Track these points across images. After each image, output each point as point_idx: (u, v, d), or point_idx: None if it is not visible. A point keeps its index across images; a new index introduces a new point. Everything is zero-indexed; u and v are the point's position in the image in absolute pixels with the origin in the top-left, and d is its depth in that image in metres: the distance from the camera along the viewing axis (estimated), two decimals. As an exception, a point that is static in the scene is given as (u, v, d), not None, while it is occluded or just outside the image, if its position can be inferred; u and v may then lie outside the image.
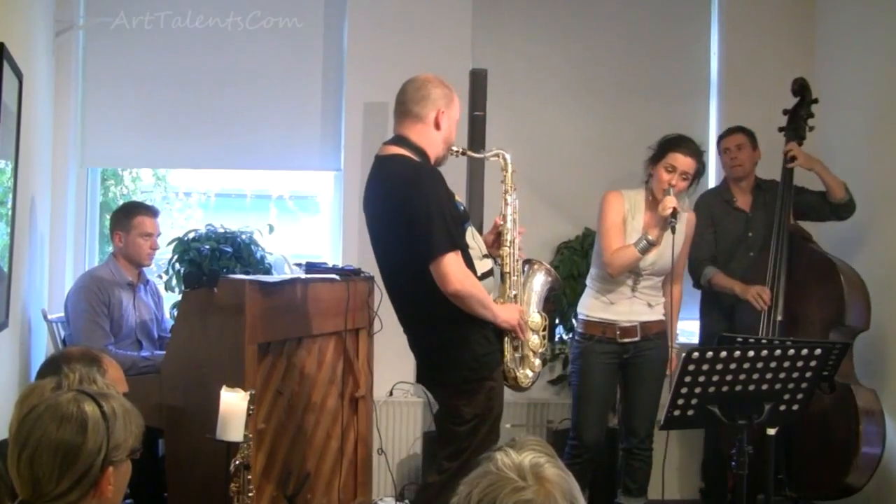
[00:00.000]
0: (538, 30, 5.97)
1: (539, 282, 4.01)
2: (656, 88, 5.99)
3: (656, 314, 4.59)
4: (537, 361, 3.87)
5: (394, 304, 3.79)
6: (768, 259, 4.89)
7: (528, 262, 4.03)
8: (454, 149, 3.82)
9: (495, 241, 3.93)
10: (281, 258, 5.14)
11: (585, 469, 4.53)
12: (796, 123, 5.09)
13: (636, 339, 4.53)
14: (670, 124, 5.58)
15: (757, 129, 5.24)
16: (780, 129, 5.14)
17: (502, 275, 3.87)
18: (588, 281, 4.71)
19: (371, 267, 4.29)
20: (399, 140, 3.70)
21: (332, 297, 4.43)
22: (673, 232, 4.33)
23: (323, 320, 4.35)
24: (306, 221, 6.23)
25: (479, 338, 3.64)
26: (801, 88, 5.09)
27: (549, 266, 4.07)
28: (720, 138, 5.35)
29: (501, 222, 3.91)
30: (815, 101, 5.09)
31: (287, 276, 4.45)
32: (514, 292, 3.85)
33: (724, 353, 3.45)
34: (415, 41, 5.58)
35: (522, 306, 3.86)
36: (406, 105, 3.71)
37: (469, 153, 3.98)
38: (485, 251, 3.84)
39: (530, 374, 3.85)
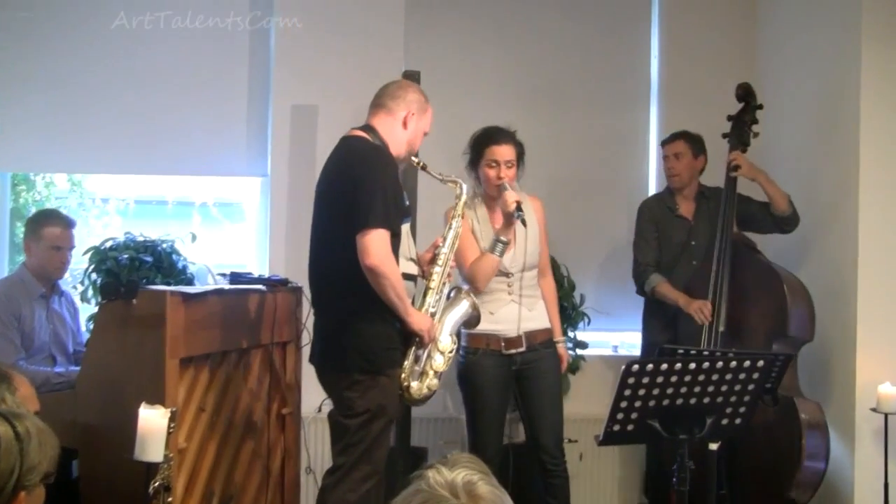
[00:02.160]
0: (474, 32, 6.00)
1: (461, 310, 4.13)
2: (596, 94, 6.04)
3: (540, 320, 4.62)
4: (435, 381, 3.96)
5: (311, 280, 3.92)
6: (711, 269, 4.94)
7: (457, 288, 4.19)
8: (415, 159, 4.05)
9: (431, 260, 4.07)
10: (204, 268, 5.13)
11: None
12: (740, 130, 5.14)
13: (522, 349, 4.56)
14: (610, 131, 5.70)
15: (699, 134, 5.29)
16: (724, 136, 5.19)
17: (426, 290, 4.00)
18: None
19: (299, 277, 4.29)
20: (366, 128, 3.93)
21: (258, 309, 4.40)
22: (524, 224, 4.38)
23: (248, 333, 4.32)
24: (231, 229, 6.11)
25: (384, 333, 3.77)
26: (745, 94, 5.15)
27: (475, 300, 4.17)
28: (663, 143, 5.37)
29: (441, 243, 4.06)
30: (760, 106, 5.16)
31: (210, 286, 4.42)
32: (432, 310, 3.98)
33: (664, 366, 3.47)
34: (345, 41, 5.55)
35: (437, 324, 3.97)
36: (381, 98, 3.97)
37: (428, 170, 4.11)
38: (412, 255, 3.97)
39: (425, 390, 3.93)
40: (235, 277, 4.58)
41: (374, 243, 3.62)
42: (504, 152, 4.53)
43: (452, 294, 4.13)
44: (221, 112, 5.71)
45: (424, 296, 3.99)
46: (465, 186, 4.14)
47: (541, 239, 4.67)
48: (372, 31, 5.60)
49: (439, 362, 3.95)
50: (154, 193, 6.14)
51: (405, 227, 3.89)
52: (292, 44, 5.58)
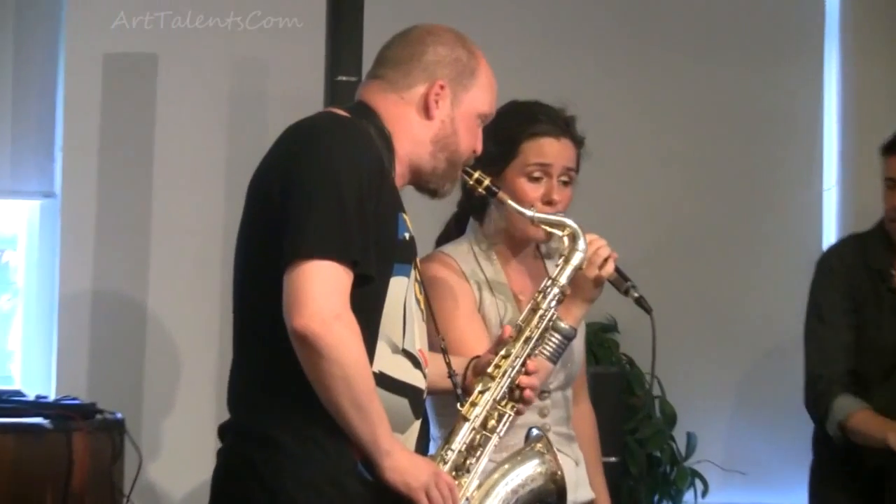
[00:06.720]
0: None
1: (529, 469, 3.59)
2: (748, 128, 6.29)
3: (587, 482, 4.37)
4: None
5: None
6: None
7: (536, 432, 3.66)
8: (475, 175, 3.64)
9: (482, 368, 3.59)
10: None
11: None
12: None
13: None
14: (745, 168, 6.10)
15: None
16: None
17: (458, 418, 3.45)
18: None
19: (116, 398, 4.67)
20: (357, 107, 3.47)
21: (36, 463, 4.50)
22: (648, 312, 3.92)
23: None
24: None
25: (329, 479, 3.17)
26: None
27: (559, 463, 3.63)
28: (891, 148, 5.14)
29: (511, 335, 3.56)
30: None
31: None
32: (457, 456, 3.41)
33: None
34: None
35: (462, 487, 3.40)
36: (383, 64, 3.53)
37: (501, 197, 3.68)
38: (412, 346, 3.35)
39: None
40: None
41: (315, 284, 3.03)
42: (560, 152, 4.04)
43: (533, 435, 3.67)
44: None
45: (453, 430, 3.45)
46: (580, 232, 3.68)
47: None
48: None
49: None
50: None
51: (401, 284, 3.30)
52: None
